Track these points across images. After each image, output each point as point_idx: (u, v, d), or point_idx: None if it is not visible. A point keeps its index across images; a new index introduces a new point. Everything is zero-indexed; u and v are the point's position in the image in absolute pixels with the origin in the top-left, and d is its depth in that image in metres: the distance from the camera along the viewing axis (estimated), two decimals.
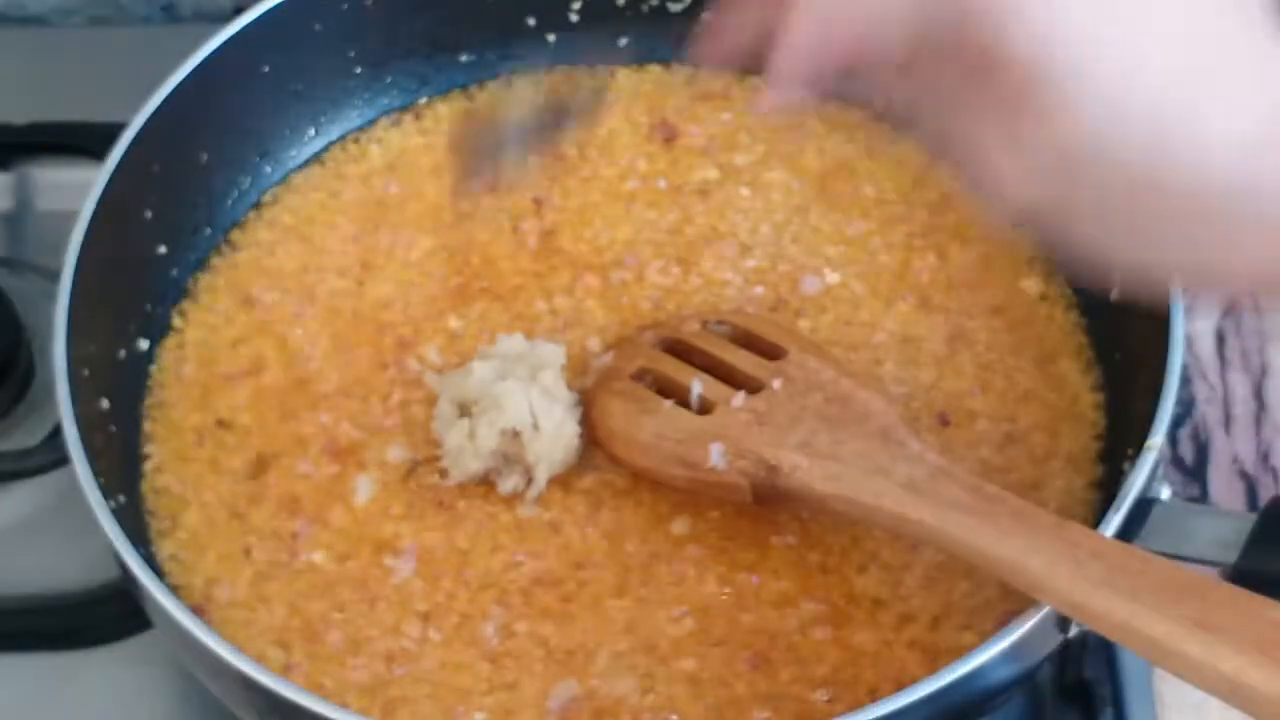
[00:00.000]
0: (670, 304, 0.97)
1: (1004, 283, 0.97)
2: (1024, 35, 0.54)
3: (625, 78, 1.08)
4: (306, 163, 1.06)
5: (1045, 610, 0.74)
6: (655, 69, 1.09)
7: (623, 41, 1.10)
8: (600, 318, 0.97)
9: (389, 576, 0.87)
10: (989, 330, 0.95)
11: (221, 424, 0.93)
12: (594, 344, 0.96)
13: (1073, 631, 0.77)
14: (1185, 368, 0.87)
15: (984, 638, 0.75)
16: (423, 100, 1.09)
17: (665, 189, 1.03)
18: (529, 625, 0.85)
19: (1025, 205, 0.58)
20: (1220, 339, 1.07)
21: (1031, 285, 0.97)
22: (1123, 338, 0.91)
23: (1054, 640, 0.78)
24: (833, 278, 0.98)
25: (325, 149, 1.06)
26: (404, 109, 1.08)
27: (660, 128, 1.05)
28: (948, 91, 0.57)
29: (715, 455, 0.84)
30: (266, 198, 1.04)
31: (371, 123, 1.08)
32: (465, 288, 0.99)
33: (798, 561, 0.86)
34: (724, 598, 0.85)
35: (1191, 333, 1.07)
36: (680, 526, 0.88)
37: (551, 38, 1.09)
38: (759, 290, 0.98)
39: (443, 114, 1.08)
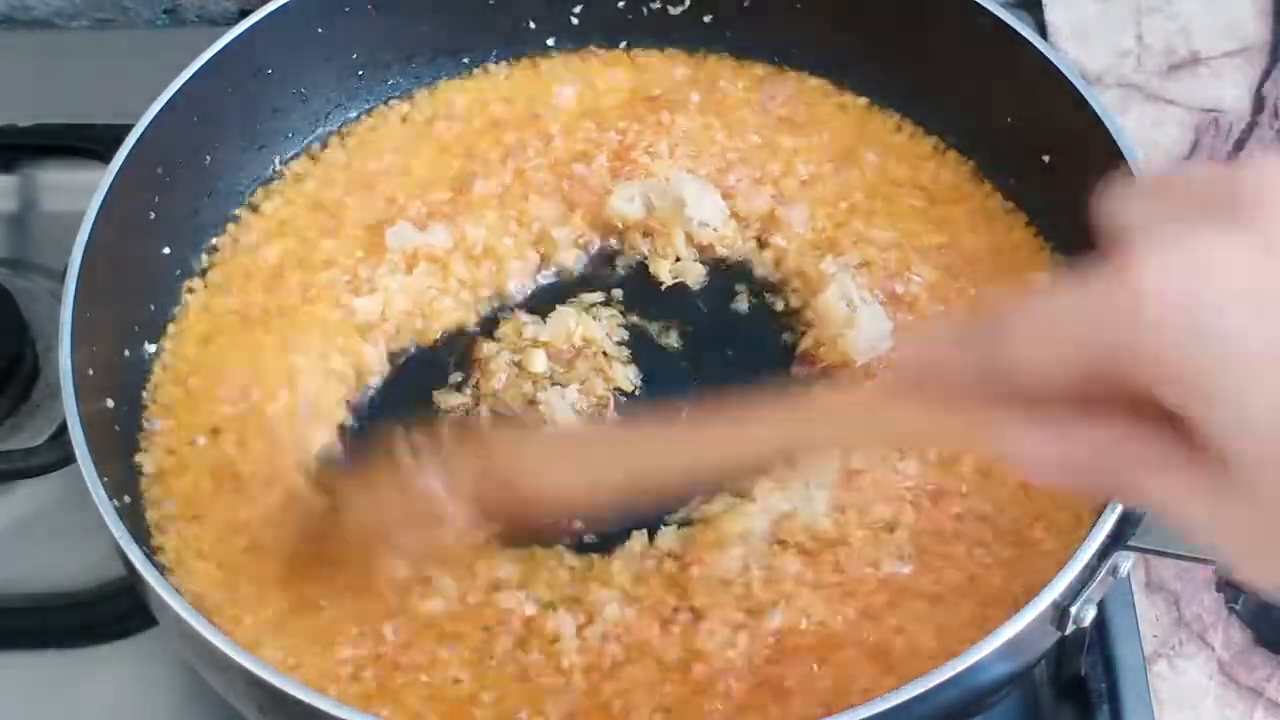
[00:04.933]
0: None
1: (1001, 266, 0.98)
2: (1248, 423, 0.49)
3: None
4: (309, 164, 1.06)
5: (1041, 608, 0.75)
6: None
7: (623, 44, 1.10)
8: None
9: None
10: None
11: (225, 425, 0.93)
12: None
13: (1069, 629, 0.77)
14: None
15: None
16: (424, 101, 1.09)
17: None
18: (537, 644, 0.85)
19: (1223, 546, 0.54)
20: None
21: (1019, 254, 0.98)
22: None
23: (1050, 637, 0.79)
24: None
25: (328, 150, 1.07)
26: (406, 110, 1.09)
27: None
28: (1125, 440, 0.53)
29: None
30: (270, 199, 1.04)
31: (373, 124, 1.08)
32: (464, 293, 1.00)
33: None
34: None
35: None
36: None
37: (551, 41, 1.10)
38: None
39: (444, 114, 1.08)
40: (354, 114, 1.08)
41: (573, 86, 1.08)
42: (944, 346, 0.56)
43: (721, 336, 0.99)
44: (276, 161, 1.06)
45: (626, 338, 0.98)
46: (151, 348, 0.97)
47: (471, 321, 0.99)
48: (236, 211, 1.03)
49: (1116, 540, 0.77)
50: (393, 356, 0.98)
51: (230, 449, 0.93)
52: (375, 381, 0.97)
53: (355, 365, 0.97)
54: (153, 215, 0.97)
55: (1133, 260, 0.50)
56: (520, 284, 1.01)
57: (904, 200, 1.02)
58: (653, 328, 0.99)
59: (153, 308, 0.98)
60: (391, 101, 1.09)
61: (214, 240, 1.02)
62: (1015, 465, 0.56)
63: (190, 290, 1.00)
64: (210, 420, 0.94)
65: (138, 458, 0.92)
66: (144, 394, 0.95)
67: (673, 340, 0.98)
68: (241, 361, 0.96)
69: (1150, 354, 0.49)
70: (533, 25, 1.09)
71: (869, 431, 0.67)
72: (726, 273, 1.02)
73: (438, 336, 0.99)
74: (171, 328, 0.98)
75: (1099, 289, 0.51)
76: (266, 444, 0.93)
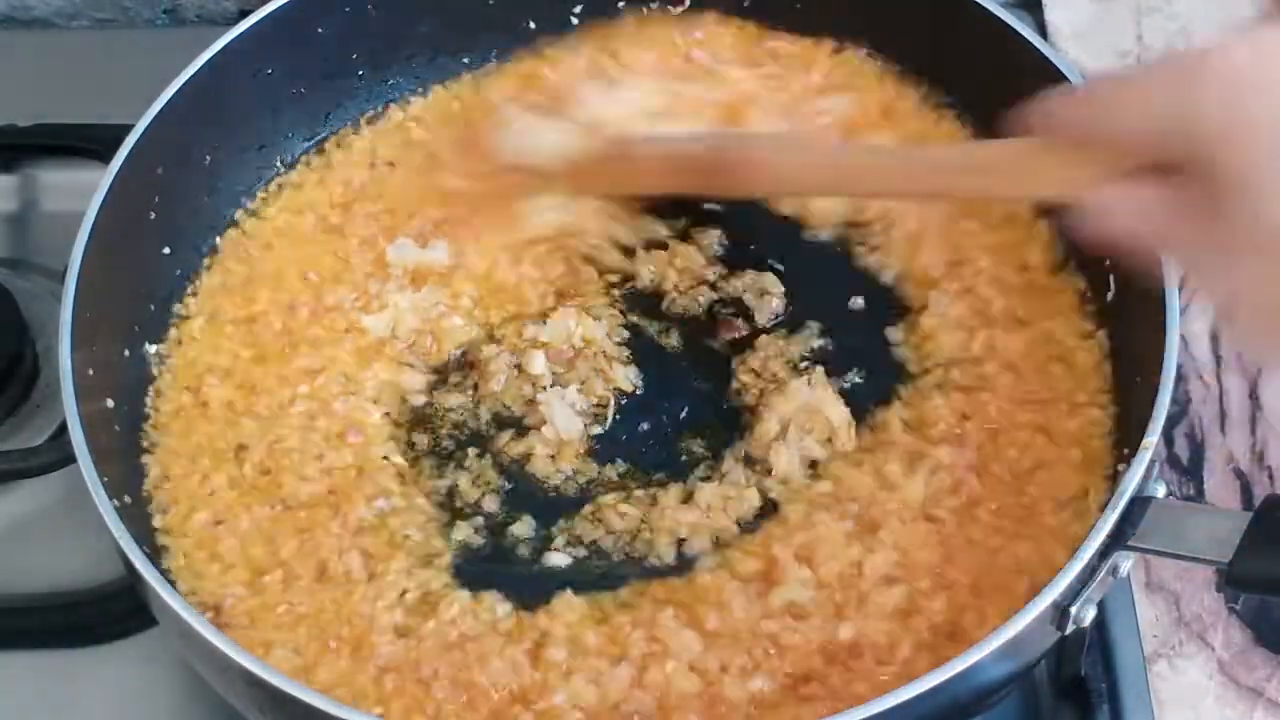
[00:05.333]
0: None
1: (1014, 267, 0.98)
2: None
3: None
4: (309, 163, 1.06)
5: (1042, 608, 0.75)
6: None
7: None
8: None
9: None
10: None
11: (251, 442, 0.93)
12: None
13: (1069, 629, 0.77)
14: (1180, 367, 0.87)
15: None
16: (424, 100, 1.09)
17: None
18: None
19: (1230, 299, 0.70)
20: (1215, 339, 1.08)
21: (1031, 253, 0.98)
22: (1123, 339, 0.92)
23: (1050, 637, 0.79)
24: None
25: (327, 150, 1.07)
26: (405, 110, 1.09)
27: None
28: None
29: None
30: (270, 201, 1.04)
31: (374, 123, 1.08)
32: (477, 312, 0.99)
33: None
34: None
35: (1188, 334, 1.07)
36: None
37: (551, 42, 1.10)
38: None
39: (443, 114, 1.08)
40: (354, 114, 1.08)
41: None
42: (1067, 108, 0.73)
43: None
44: (277, 162, 1.06)
45: (626, 337, 0.98)
46: (153, 349, 0.96)
47: (483, 339, 0.99)
48: (237, 213, 1.03)
49: (1116, 540, 0.77)
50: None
51: (260, 464, 0.92)
52: (419, 400, 0.96)
53: (395, 390, 0.96)
54: (153, 215, 0.97)
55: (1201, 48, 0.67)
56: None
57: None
58: (653, 328, 0.99)
59: (153, 308, 0.98)
60: (391, 104, 1.09)
61: (214, 241, 1.02)
62: (1092, 211, 0.72)
63: (193, 294, 1.00)
64: (232, 434, 0.93)
65: (144, 459, 0.92)
66: (145, 393, 0.95)
67: (673, 340, 0.98)
68: (256, 377, 0.96)
69: (1211, 114, 0.65)
70: (533, 25, 1.09)
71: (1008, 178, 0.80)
72: None
73: (449, 357, 0.98)
74: (174, 332, 0.98)
75: (1178, 66, 0.67)
76: (308, 463, 0.92)
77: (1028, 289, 0.97)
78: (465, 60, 1.10)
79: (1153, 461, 0.79)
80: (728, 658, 0.83)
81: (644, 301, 1.00)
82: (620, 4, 1.09)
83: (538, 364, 0.95)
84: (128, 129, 0.94)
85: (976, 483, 0.88)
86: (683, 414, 0.95)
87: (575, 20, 1.09)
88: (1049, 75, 0.95)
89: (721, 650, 0.83)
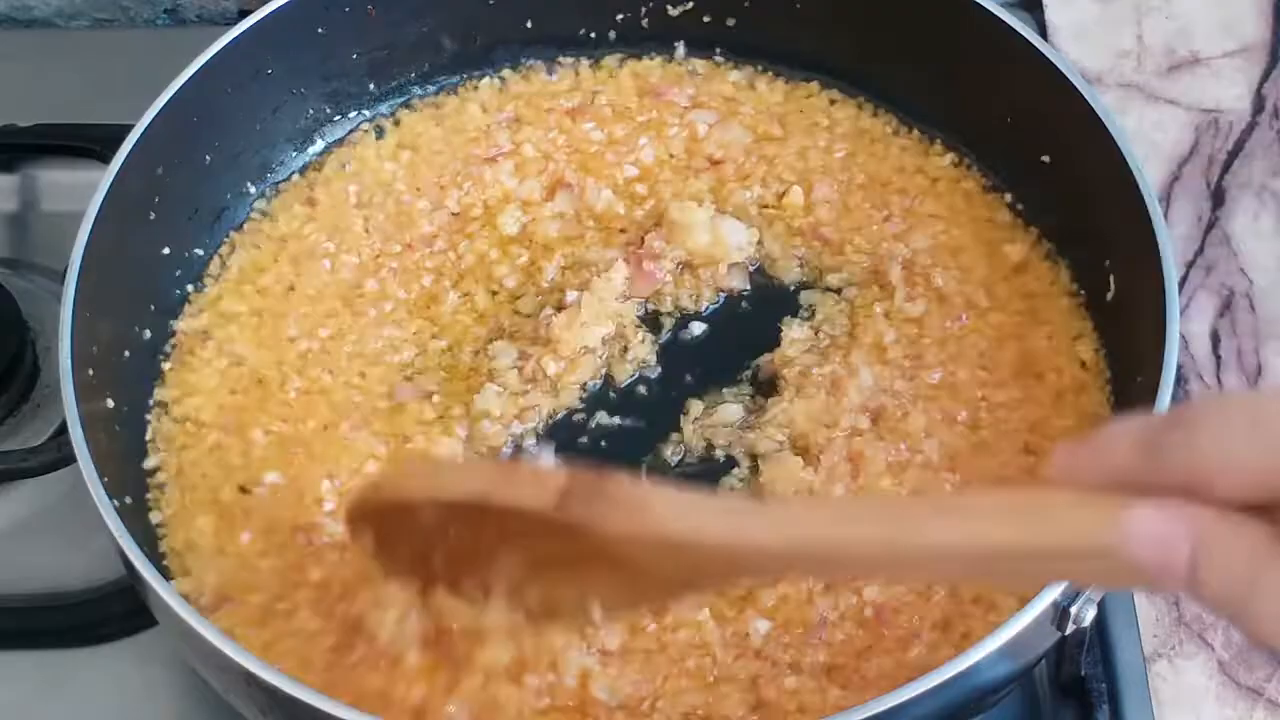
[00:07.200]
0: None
1: (999, 263, 0.98)
2: None
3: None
4: (310, 164, 1.06)
5: (1042, 608, 0.75)
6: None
7: (624, 46, 1.10)
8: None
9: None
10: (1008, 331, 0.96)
11: (225, 431, 0.94)
12: None
13: (1069, 629, 0.77)
14: (1180, 368, 0.87)
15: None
16: (424, 99, 1.09)
17: None
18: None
19: None
20: (1215, 339, 1.08)
21: (1016, 250, 0.98)
22: (1122, 339, 0.92)
23: (1051, 637, 0.79)
24: None
25: (328, 150, 1.07)
26: (406, 109, 1.09)
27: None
28: None
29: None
30: (270, 199, 1.04)
31: (375, 123, 1.08)
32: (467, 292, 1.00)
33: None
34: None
35: (1187, 333, 1.07)
36: None
37: (550, 41, 1.10)
38: None
39: (445, 121, 1.08)
40: (354, 114, 1.08)
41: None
42: (1125, 449, 0.55)
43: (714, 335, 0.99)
44: (277, 162, 1.06)
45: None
46: (150, 346, 0.96)
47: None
48: (237, 213, 1.03)
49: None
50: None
51: (235, 449, 0.93)
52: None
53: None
54: (153, 215, 0.97)
55: None
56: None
57: (899, 201, 1.02)
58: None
59: (153, 308, 0.98)
60: (391, 104, 1.09)
61: (215, 240, 1.02)
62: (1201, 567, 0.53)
63: (191, 290, 1.00)
64: (212, 421, 0.94)
65: (139, 457, 0.92)
66: (145, 394, 0.95)
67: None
68: (245, 361, 0.96)
69: None
70: (530, 25, 1.09)
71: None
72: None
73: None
74: (172, 327, 0.98)
75: None
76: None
77: (1020, 286, 0.97)
78: (464, 59, 1.10)
79: None
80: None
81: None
82: (611, 34, 1.09)
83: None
84: (128, 129, 0.94)
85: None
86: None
87: (576, 21, 1.09)
88: (1049, 75, 0.95)
89: None
